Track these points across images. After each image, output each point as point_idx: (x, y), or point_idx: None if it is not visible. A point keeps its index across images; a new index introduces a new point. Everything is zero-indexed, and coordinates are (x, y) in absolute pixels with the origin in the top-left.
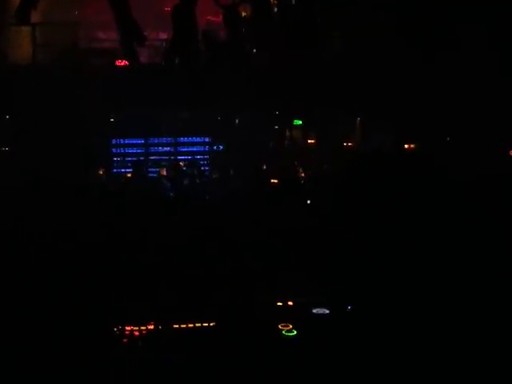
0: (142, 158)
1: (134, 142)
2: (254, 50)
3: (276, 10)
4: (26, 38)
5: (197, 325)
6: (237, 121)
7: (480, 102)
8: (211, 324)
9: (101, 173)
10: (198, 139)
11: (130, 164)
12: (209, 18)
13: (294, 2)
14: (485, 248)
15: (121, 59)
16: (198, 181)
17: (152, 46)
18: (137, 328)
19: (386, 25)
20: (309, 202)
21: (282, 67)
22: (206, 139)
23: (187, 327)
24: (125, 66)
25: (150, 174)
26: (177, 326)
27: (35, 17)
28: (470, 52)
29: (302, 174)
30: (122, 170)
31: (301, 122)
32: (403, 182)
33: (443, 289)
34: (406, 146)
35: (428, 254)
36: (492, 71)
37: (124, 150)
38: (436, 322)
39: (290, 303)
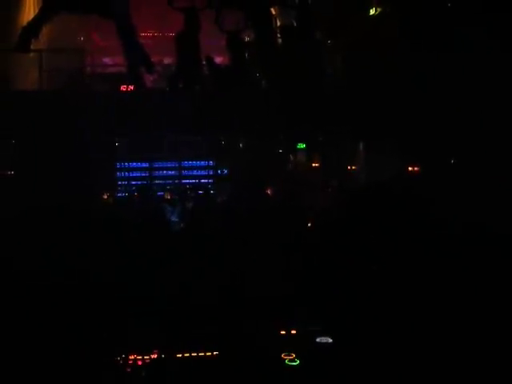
0: (146, 182)
1: (139, 165)
2: (258, 75)
3: (279, 35)
4: (33, 63)
5: (200, 354)
6: (241, 145)
7: (485, 122)
8: (214, 353)
9: (105, 197)
10: (202, 163)
11: (134, 188)
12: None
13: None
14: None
15: (126, 84)
16: (202, 205)
17: (156, 70)
18: (140, 357)
19: (388, 46)
20: (312, 228)
21: (285, 91)
22: (210, 163)
23: (191, 356)
24: (129, 90)
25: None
26: (180, 355)
27: (42, 42)
28: (474, 70)
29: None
30: (127, 194)
31: (304, 146)
32: (407, 210)
33: (445, 318)
34: (410, 168)
35: (430, 283)
36: (498, 88)
37: (128, 173)
38: (440, 350)
39: (294, 332)
